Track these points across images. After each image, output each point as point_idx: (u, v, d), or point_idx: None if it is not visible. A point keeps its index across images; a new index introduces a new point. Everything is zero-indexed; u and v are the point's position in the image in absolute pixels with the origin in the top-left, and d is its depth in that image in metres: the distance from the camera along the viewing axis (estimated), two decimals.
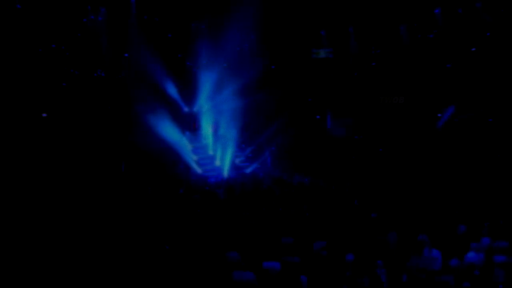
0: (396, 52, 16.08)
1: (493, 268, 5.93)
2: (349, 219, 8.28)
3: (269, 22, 15.07)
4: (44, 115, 13.21)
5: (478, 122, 13.67)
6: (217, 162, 15.14)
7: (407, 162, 13.23)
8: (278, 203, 9.60)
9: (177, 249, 6.60)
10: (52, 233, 7.02)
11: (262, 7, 13.30)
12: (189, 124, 15.89)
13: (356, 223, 8.02)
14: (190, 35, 16.31)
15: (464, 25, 14.54)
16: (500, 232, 7.01)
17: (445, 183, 10.62)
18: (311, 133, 15.91)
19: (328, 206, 9.28)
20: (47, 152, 12.07)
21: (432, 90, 14.77)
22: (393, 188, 10.57)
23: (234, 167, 14.87)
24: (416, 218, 7.98)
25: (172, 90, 15.65)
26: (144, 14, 15.39)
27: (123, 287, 5.69)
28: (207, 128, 15.93)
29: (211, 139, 15.76)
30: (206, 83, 15.70)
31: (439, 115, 14.76)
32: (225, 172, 14.40)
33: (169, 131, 14.27)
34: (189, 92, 15.95)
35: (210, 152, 15.57)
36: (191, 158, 14.70)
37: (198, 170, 14.32)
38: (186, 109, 16.03)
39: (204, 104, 16.02)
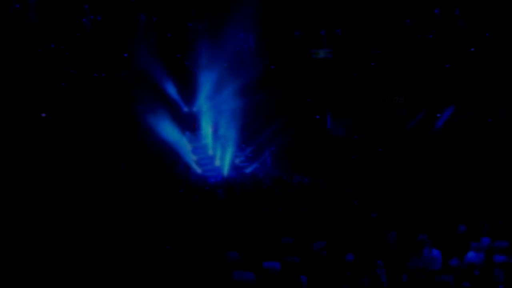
0: (395, 52, 16.09)
1: (493, 268, 5.94)
2: (349, 219, 8.28)
3: (268, 22, 15.07)
4: (43, 115, 13.19)
5: (478, 122, 13.67)
6: (217, 162, 15.14)
7: (407, 162, 13.23)
8: (278, 203, 9.59)
9: (177, 249, 6.59)
10: (51, 232, 7.01)
11: (262, 7, 13.30)
12: (189, 124, 15.88)
13: (356, 223, 8.01)
14: (189, 35, 16.31)
15: (463, 26, 14.56)
16: (500, 232, 7.01)
17: (445, 183, 10.62)
18: (311, 133, 15.90)
19: (328, 206, 9.28)
20: (46, 152, 12.06)
21: (431, 90, 14.78)
22: (393, 188, 10.57)
23: (234, 167, 14.86)
24: (416, 218, 7.98)
25: (171, 90, 15.64)
26: (143, 14, 15.39)
27: (123, 287, 5.69)
28: (206, 128, 15.92)
29: (211, 139, 15.75)
30: (206, 83, 15.69)
31: (438, 115, 14.77)
32: (225, 172, 14.39)
33: (169, 131, 14.27)
34: (189, 92, 15.94)
35: (210, 152, 15.56)
36: (191, 158, 14.69)
37: (198, 170, 14.31)
38: (185, 109, 16.02)
39: (203, 104, 16.01)
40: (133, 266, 5.97)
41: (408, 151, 13.91)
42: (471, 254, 6.26)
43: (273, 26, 15.86)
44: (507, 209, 8.06)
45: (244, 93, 15.24)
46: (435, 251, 6.34)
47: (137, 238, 6.89)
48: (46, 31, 13.58)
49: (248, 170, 14.81)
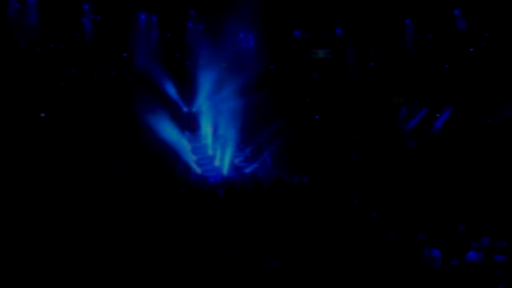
0: (395, 52, 16.11)
1: (493, 268, 5.95)
2: (349, 219, 8.29)
3: (268, 22, 15.08)
4: (43, 115, 13.17)
5: (478, 122, 13.70)
6: (217, 162, 15.13)
7: (407, 162, 13.25)
8: (278, 203, 9.59)
9: (178, 248, 6.59)
10: (51, 232, 7.00)
11: (261, 7, 13.30)
12: (189, 124, 15.87)
13: (356, 223, 8.02)
14: (189, 35, 16.31)
15: (462, 26, 14.59)
16: (500, 231, 7.03)
17: (445, 182, 10.64)
18: (310, 133, 15.91)
19: (328, 206, 9.29)
20: (46, 152, 12.04)
21: (431, 90, 14.81)
22: (393, 188, 10.58)
23: (233, 167, 14.86)
24: (416, 218, 7.99)
25: (171, 90, 15.64)
26: (143, 14, 15.38)
27: (124, 287, 5.68)
28: (206, 128, 15.93)
29: (210, 139, 15.75)
30: (206, 83, 15.69)
31: (437, 115, 14.80)
32: (225, 172, 14.39)
33: (169, 131, 14.26)
34: (189, 92, 15.93)
35: (210, 152, 15.56)
36: (191, 158, 14.68)
37: (198, 170, 14.30)
38: (185, 109, 16.01)
39: (203, 104, 16.01)
40: (134, 266, 5.96)
41: (408, 151, 13.94)
42: (471, 254, 6.27)
43: (273, 26, 15.87)
44: (507, 209, 8.09)
45: (244, 93, 15.24)
46: (435, 251, 6.34)
47: (137, 238, 6.88)
48: (45, 31, 13.56)
49: (248, 170, 14.81)
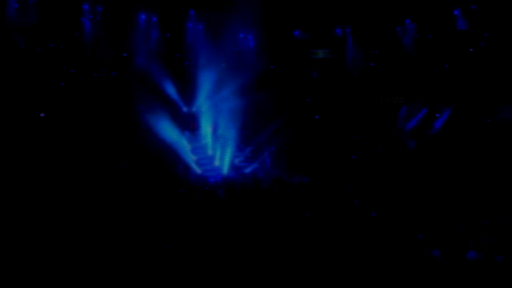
0: (394, 53, 16.14)
1: (493, 268, 5.96)
2: (349, 219, 8.29)
3: (268, 22, 15.10)
4: (42, 115, 13.16)
5: (478, 122, 13.73)
6: (217, 162, 15.13)
7: (407, 162, 13.26)
8: (278, 203, 9.59)
9: (178, 248, 6.59)
10: (51, 232, 6.99)
11: (261, 7, 13.32)
12: (188, 124, 15.87)
13: (356, 223, 8.03)
14: (189, 35, 16.31)
15: (462, 26, 14.62)
16: (500, 231, 7.05)
17: (444, 182, 10.65)
18: (310, 133, 15.92)
19: (328, 206, 9.29)
20: (45, 152, 12.03)
21: (431, 90, 14.84)
22: (393, 188, 10.59)
23: (233, 167, 14.86)
24: (416, 218, 8.00)
25: (171, 90, 15.64)
26: (143, 13, 15.38)
27: (124, 287, 5.68)
28: (206, 128, 15.93)
29: (210, 139, 15.74)
30: (205, 83, 15.70)
31: (437, 115, 14.82)
32: (225, 172, 14.39)
33: (168, 131, 14.26)
34: (188, 92, 15.94)
35: (209, 152, 15.55)
36: (190, 158, 14.68)
37: (198, 170, 14.30)
38: (185, 109, 16.01)
39: (203, 104, 16.01)
40: (134, 266, 5.96)
41: (408, 151, 13.96)
42: (471, 253, 6.28)
43: (273, 26, 15.89)
44: (506, 208, 8.11)
45: (244, 93, 15.26)
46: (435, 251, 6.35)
47: (137, 238, 6.88)
48: (44, 31, 13.55)
49: (248, 170, 14.81)
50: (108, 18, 14.64)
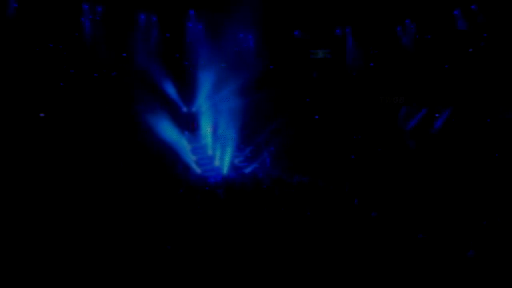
0: (394, 53, 16.16)
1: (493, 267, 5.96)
2: (349, 219, 8.29)
3: (267, 22, 15.10)
4: (42, 115, 13.15)
5: (477, 122, 13.75)
6: (216, 162, 15.12)
7: (406, 161, 13.27)
8: (278, 203, 9.59)
9: (179, 249, 6.58)
10: (50, 232, 6.98)
11: (261, 7, 13.32)
12: (188, 124, 15.87)
13: (356, 223, 8.03)
14: (188, 35, 16.31)
15: (461, 26, 14.64)
16: (499, 230, 7.06)
17: (444, 182, 10.66)
18: (310, 133, 15.93)
19: (328, 206, 9.29)
20: (45, 152, 12.02)
21: (430, 90, 14.85)
22: (393, 188, 10.60)
23: (233, 167, 14.86)
24: (416, 217, 8.01)
25: (171, 90, 15.63)
26: (142, 13, 15.37)
27: (124, 287, 5.68)
28: (206, 128, 15.92)
29: (210, 139, 15.74)
30: (205, 83, 15.70)
31: (437, 115, 14.83)
32: (224, 172, 14.39)
33: (168, 131, 14.26)
34: (188, 92, 15.93)
35: (209, 152, 15.55)
36: (190, 158, 14.67)
37: (197, 170, 14.29)
38: (185, 109, 16.01)
39: (203, 104, 16.01)
40: (134, 266, 5.95)
41: (408, 151, 13.96)
42: (471, 252, 6.28)
43: (272, 26, 15.89)
44: (506, 208, 8.12)
45: (243, 93, 15.26)
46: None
47: (137, 238, 6.87)
48: (44, 31, 13.54)
49: (247, 170, 14.80)
50: (107, 18, 14.63)
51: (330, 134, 15.86)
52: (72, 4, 14.08)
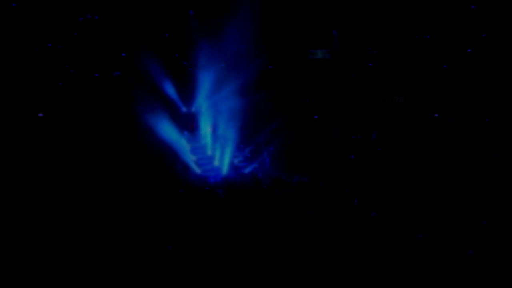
0: (393, 53, 16.20)
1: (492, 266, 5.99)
2: (349, 219, 8.32)
3: (267, 22, 15.12)
4: (41, 115, 13.12)
5: (476, 122, 13.80)
6: (216, 162, 15.13)
7: (406, 161, 13.29)
8: (278, 203, 9.61)
9: (179, 249, 6.59)
10: (50, 232, 6.97)
11: (260, 7, 13.34)
12: (188, 124, 15.87)
13: (356, 223, 8.05)
14: (188, 35, 16.30)
15: (460, 26, 14.70)
16: (499, 229, 7.09)
17: (444, 182, 10.69)
18: (309, 133, 15.95)
19: (328, 206, 9.31)
20: (44, 152, 12.00)
21: (429, 90, 14.90)
22: (393, 187, 10.63)
23: (233, 167, 14.86)
24: (416, 217, 8.03)
25: (170, 90, 15.62)
26: (141, 13, 15.35)
27: (125, 287, 5.68)
28: (205, 128, 15.92)
29: (210, 139, 15.74)
30: (205, 83, 15.70)
31: (436, 115, 14.87)
32: (224, 172, 14.39)
33: (168, 131, 14.25)
34: (188, 92, 15.93)
35: (209, 152, 15.55)
36: (190, 158, 14.67)
37: (197, 170, 14.30)
38: (184, 109, 16.01)
39: (202, 104, 16.01)
40: (134, 266, 5.95)
41: (408, 150, 13.98)
42: (471, 252, 6.31)
43: (272, 26, 15.90)
44: (506, 208, 8.15)
45: (243, 93, 15.26)
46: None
47: (138, 238, 6.87)
48: (43, 31, 13.51)
49: (247, 170, 14.81)
50: (107, 17, 14.60)
51: (330, 134, 15.88)
52: (71, 4, 14.05)
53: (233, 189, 11.11)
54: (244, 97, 15.28)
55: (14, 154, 11.45)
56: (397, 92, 15.28)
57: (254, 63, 16.15)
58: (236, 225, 7.79)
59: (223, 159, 14.86)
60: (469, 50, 14.71)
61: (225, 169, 14.57)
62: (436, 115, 14.83)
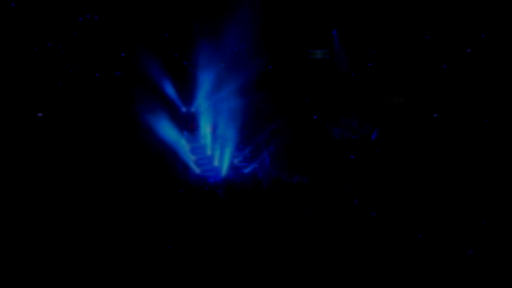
0: (393, 53, 16.21)
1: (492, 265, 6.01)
2: (349, 219, 8.32)
3: (266, 22, 15.12)
4: (40, 114, 13.10)
5: (475, 122, 13.82)
6: (216, 162, 15.13)
7: (406, 161, 13.31)
8: (278, 203, 9.61)
9: (180, 249, 6.59)
10: (50, 232, 6.97)
11: (260, 7, 13.34)
12: (187, 124, 15.87)
13: (356, 223, 8.06)
14: (187, 35, 16.29)
15: (459, 27, 14.72)
16: (498, 229, 7.10)
17: (444, 182, 10.71)
18: (309, 133, 15.96)
19: (328, 206, 9.32)
20: (43, 153, 11.98)
21: (429, 90, 14.91)
22: (393, 187, 10.64)
23: (232, 167, 14.86)
24: (416, 217, 8.05)
25: (170, 90, 15.62)
26: (141, 13, 15.34)
27: (125, 287, 5.68)
28: (205, 128, 15.92)
29: (209, 139, 15.74)
30: (204, 83, 15.70)
31: (435, 115, 14.89)
32: (224, 172, 14.39)
33: (167, 131, 14.25)
34: (187, 92, 15.93)
35: (209, 152, 15.55)
36: (190, 158, 14.67)
37: (197, 170, 14.29)
38: (184, 109, 16.00)
39: (202, 104, 16.01)
40: (135, 266, 5.95)
41: (408, 150, 14.00)
42: (471, 251, 6.32)
43: (271, 26, 15.90)
44: (505, 208, 8.17)
45: (243, 93, 15.26)
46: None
47: (138, 238, 6.87)
48: (42, 30, 13.49)
49: (247, 170, 14.81)
50: (106, 17, 14.59)
51: (329, 134, 15.89)
52: (70, 3, 14.03)
53: (233, 189, 11.11)
54: (244, 97, 15.27)
55: (13, 154, 11.44)
56: (397, 92, 15.29)
57: (254, 63, 16.15)
58: (236, 225, 7.78)
59: (223, 159, 14.85)
60: (468, 50, 14.72)
61: (224, 169, 14.57)
62: (435, 115, 14.84)
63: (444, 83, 14.76)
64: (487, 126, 13.60)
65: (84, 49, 14.54)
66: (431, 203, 8.91)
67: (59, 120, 13.32)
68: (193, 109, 16.06)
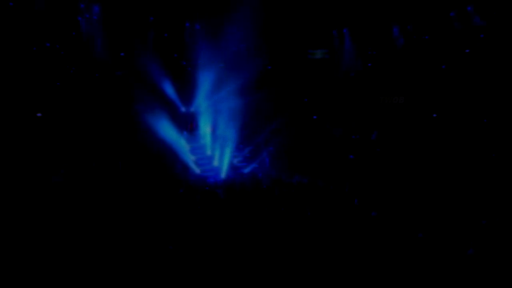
0: (392, 53, 16.23)
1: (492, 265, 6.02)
2: (349, 219, 8.33)
3: (266, 22, 15.12)
4: (39, 114, 13.09)
5: (475, 122, 13.83)
6: (215, 162, 15.12)
7: (406, 161, 13.32)
8: (278, 203, 9.61)
9: (180, 249, 6.58)
10: (50, 233, 6.96)
11: (260, 7, 13.34)
12: (187, 124, 15.86)
13: (356, 223, 8.07)
14: (187, 35, 16.29)
15: (458, 27, 14.74)
16: (498, 229, 7.12)
17: (444, 182, 10.72)
18: (309, 133, 15.97)
19: (328, 206, 9.33)
20: (43, 153, 11.97)
21: (428, 90, 14.93)
22: (393, 187, 10.65)
23: (232, 167, 14.86)
24: (416, 217, 8.06)
25: (169, 90, 15.61)
26: (141, 13, 15.34)
27: (125, 287, 5.67)
28: (205, 128, 15.91)
29: (209, 139, 15.73)
30: (204, 83, 15.70)
31: (434, 115, 14.90)
32: (223, 172, 14.39)
33: (167, 131, 14.24)
34: (187, 92, 15.92)
35: (208, 152, 15.54)
36: (189, 158, 14.66)
37: (196, 170, 14.29)
38: (183, 109, 16.00)
39: (201, 104, 16.00)
40: (135, 266, 5.95)
41: (408, 150, 14.02)
42: (471, 251, 6.33)
43: (271, 26, 15.91)
44: (505, 208, 8.18)
45: (242, 93, 15.26)
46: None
47: (138, 238, 6.87)
48: (41, 30, 13.47)
49: (246, 170, 14.81)
50: (105, 17, 14.58)
51: (329, 134, 15.90)
52: (69, 3, 14.03)
53: (233, 189, 11.11)
54: (244, 97, 15.27)
55: (13, 154, 11.42)
56: (397, 92, 15.31)
57: (254, 63, 16.15)
58: (236, 225, 7.79)
59: (223, 159, 14.84)
60: (468, 51, 14.75)
61: (224, 169, 14.56)
62: (435, 115, 14.86)
63: (444, 83, 14.77)
64: (487, 126, 13.62)
65: (84, 49, 14.53)
66: (431, 203, 8.92)
67: (58, 120, 13.30)
68: (192, 109, 16.06)
